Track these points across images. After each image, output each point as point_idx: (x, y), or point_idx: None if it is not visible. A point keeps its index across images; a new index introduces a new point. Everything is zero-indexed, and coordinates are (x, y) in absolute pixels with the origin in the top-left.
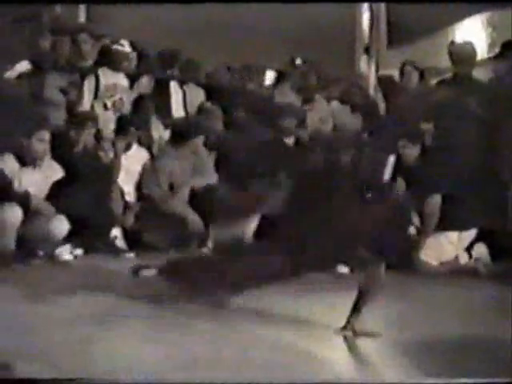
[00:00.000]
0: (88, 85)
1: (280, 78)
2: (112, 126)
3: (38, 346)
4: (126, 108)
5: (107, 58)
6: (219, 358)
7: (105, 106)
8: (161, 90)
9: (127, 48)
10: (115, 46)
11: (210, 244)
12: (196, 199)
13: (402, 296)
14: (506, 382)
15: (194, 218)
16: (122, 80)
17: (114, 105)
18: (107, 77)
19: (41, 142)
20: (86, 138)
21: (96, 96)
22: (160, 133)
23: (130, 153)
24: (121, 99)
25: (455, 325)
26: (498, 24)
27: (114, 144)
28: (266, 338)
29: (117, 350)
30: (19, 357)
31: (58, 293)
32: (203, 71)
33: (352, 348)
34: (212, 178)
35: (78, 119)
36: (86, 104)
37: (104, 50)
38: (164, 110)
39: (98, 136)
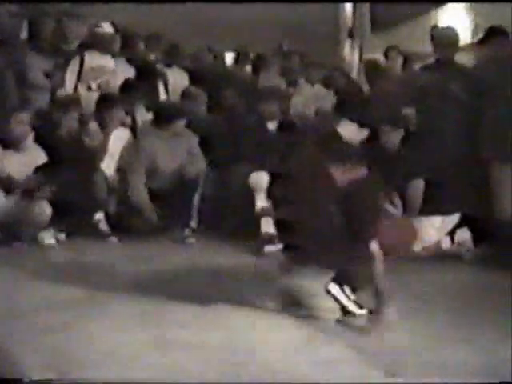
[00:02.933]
0: (72, 67)
1: (265, 61)
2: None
3: (21, 330)
4: (113, 89)
5: (92, 41)
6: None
7: (89, 88)
8: (145, 74)
9: (110, 29)
10: (98, 28)
11: (192, 225)
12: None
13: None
14: (506, 382)
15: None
16: (109, 62)
17: (99, 87)
18: (93, 59)
19: (20, 124)
20: (70, 121)
21: (79, 78)
22: (143, 116)
23: (113, 136)
24: (107, 81)
25: (436, 309)
26: (481, 9)
27: (101, 127)
28: None
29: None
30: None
31: (40, 277)
32: (187, 55)
33: None
34: (198, 161)
35: (61, 102)
36: (68, 86)
37: (88, 33)
38: (147, 93)
39: (82, 119)
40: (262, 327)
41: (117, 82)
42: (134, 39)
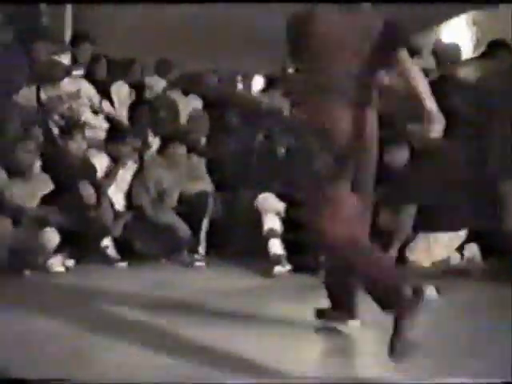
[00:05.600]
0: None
1: (269, 83)
2: (103, 134)
3: (32, 358)
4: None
5: (46, 71)
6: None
7: (54, 122)
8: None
9: (65, 59)
10: (54, 56)
11: (201, 250)
12: (187, 206)
13: None
14: (506, 382)
15: (181, 227)
16: (69, 87)
17: (62, 116)
18: (47, 90)
19: (27, 153)
20: (78, 147)
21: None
22: (151, 141)
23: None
24: (70, 108)
25: (446, 325)
26: (483, 23)
27: (109, 154)
28: None
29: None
30: (13, 368)
31: (50, 304)
32: (194, 78)
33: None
34: (204, 184)
35: (68, 129)
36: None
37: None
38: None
39: (90, 145)
40: (274, 349)
41: (84, 102)
42: (135, 65)
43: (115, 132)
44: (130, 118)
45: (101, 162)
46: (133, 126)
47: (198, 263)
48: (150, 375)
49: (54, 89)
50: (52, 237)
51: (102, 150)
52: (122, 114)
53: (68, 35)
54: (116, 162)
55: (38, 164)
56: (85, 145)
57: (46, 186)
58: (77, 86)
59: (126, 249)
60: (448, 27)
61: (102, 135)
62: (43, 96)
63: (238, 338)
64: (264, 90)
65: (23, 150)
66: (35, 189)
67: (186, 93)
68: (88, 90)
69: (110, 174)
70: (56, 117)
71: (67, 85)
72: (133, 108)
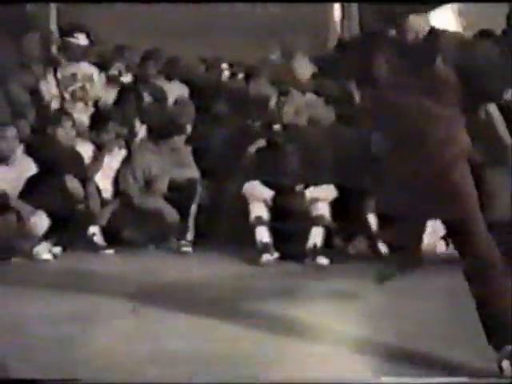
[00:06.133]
0: (44, 77)
1: (255, 71)
2: (87, 121)
3: (19, 344)
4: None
5: (64, 49)
6: None
7: (62, 97)
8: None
9: (84, 41)
10: (71, 38)
11: (189, 237)
12: (175, 193)
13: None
14: (507, 383)
15: (170, 212)
16: (86, 69)
17: (72, 95)
18: (65, 67)
19: (4, 139)
20: (65, 134)
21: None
22: (137, 128)
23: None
24: (82, 88)
25: (431, 313)
26: (469, 14)
27: (93, 141)
28: None
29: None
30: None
31: (39, 291)
32: (181, 66)
33: None
34: (192, 171)
35: (53, 115)
36: (47, 97)
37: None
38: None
39: (77, 132)
40: (260, 337)
41: (97, 89)
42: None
43: (99, 119)
44: (117, 104)
45: (86, 150)
46: (119, 113)
47: (185, 248)
48: (135, 362)
49: (72, 67)
50: (41, 221)
51: (88, 137)
52: (108, 101)
53: (53, 25)
54: (101, 149)
55: (21, 149)
56: (73, 132)
57: (30, 169)
58: (92, 69)
59: (113, 236)
60: (434, 17)
61: (87, 122)
62: (60, 72)
63: (223, 325)
64: (249, 78)
65: (3, 137)
66: (19, 173)
67: (172, 80)
68: (97, 77)
69: (96, 161)
70: (66, 95)
71: (85, 67)
72: (120, 95)
